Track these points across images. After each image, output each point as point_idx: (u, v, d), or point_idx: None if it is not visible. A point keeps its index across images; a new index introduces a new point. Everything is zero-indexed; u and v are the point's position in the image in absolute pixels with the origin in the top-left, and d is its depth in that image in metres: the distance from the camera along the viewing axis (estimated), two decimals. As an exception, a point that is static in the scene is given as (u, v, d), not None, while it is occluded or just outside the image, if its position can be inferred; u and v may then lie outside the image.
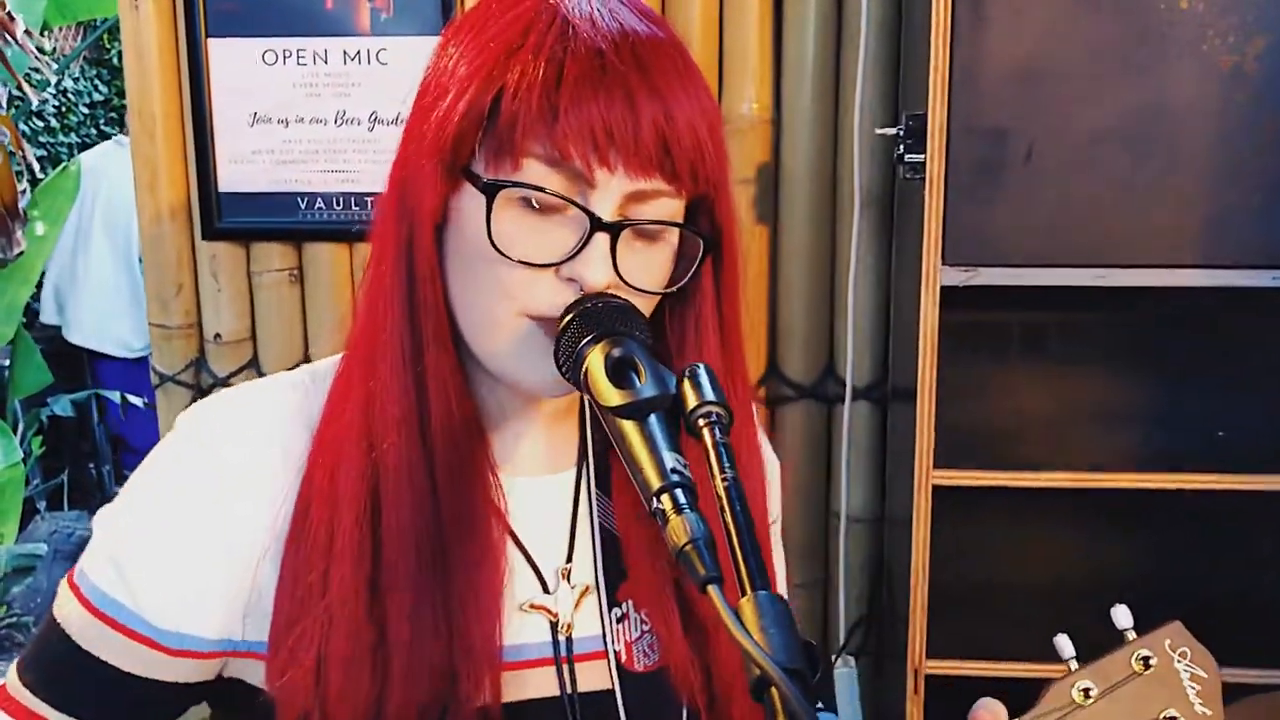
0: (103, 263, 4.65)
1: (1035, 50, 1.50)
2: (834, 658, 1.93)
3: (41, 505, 4.97)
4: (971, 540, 1.75)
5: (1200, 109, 1.50)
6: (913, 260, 1.60)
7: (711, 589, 0.64)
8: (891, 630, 1.79)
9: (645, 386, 0.75)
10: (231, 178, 1.94)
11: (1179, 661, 0.93)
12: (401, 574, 0.87)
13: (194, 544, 0.89)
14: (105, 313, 4.75)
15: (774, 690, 0.59)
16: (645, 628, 0.98)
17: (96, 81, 6.52)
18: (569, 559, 0.97)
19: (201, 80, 1.92)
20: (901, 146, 1.58)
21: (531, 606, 0.95)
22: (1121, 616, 0.94)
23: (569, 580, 0.97)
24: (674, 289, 0.88)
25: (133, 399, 4.81)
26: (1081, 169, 1.52)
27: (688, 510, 0.68)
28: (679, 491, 0.69)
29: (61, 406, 4.76)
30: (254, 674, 0.92)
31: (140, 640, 0.90)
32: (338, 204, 1.93)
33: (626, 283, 0.83)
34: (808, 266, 1.94)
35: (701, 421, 0.73)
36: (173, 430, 0.93)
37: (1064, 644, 0.94)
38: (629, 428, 0.73)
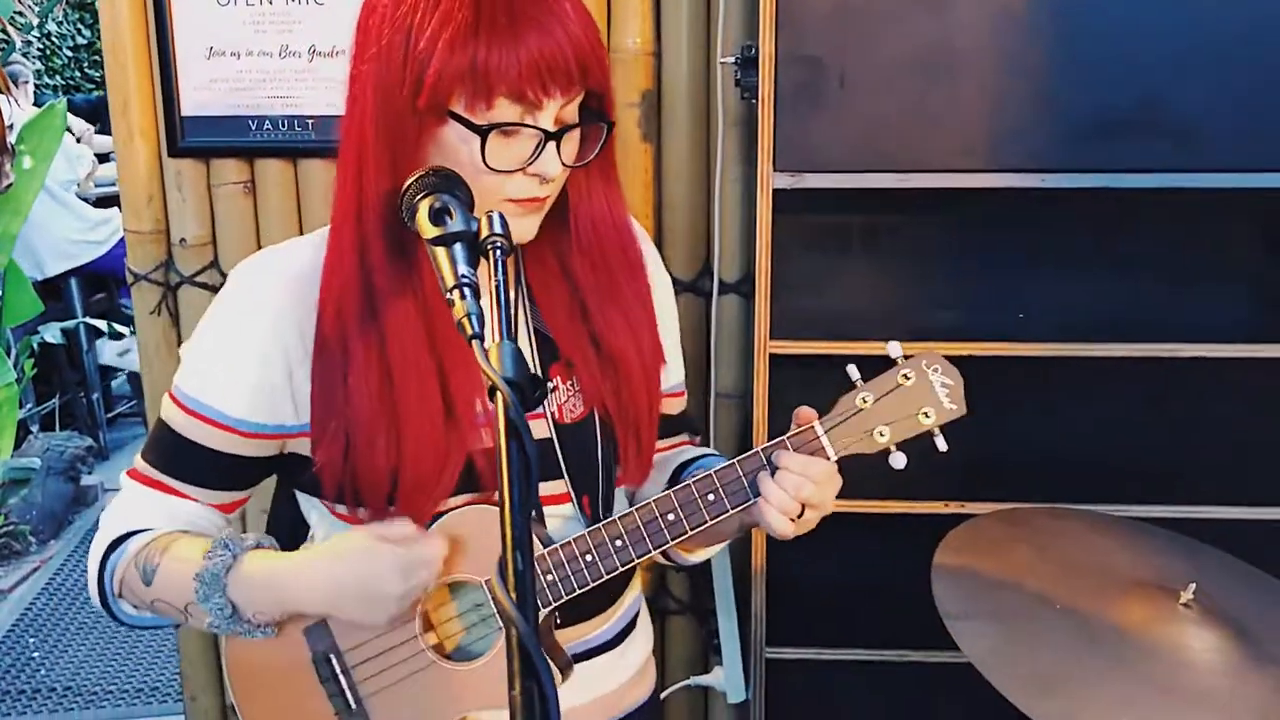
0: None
1: (847, -8, 1.81)
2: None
3: (34, 428, 5.21)
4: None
5: (981, 40, 1.78)
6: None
7: (474, 342, 0.97)
8: (749, 482, 2.12)
9: (454, 224, 1.08)
10: (192, 103, 2.21)
11: (933, 374, 1.23)
12: (407, 366, 1.22)
13: (250, 355, 1.25)
14: (55, 240, 5.14)
15: (498, 392, 0.92)
16: (572, 392, 1.34)
17: (79, 25, 6.71)
18: None
19: (165, 20, 2.18)
20: (738, 73, 1.90)
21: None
22: (893, 349, 1.24)
23: None
24: (591, 159, 1.23)
25: (121, 330, 5.09)
26: (886, 90, 1.80)
27: (469, 298, 1.01)
28: (466, 289, 1.02)
29: (52, 334, 4.98)
30: (305, 448, 1.28)
31: (221, 428, 1.27)
32: (283, 125, 2.21)
33: (564, 164, 1.19)
34: (687, 179, 2.21)
35: (489, 246, 1.07)
36: (228, 279, 1.30)
37: (852, 370, 1.24)
38: (440, 252, 1.06)
